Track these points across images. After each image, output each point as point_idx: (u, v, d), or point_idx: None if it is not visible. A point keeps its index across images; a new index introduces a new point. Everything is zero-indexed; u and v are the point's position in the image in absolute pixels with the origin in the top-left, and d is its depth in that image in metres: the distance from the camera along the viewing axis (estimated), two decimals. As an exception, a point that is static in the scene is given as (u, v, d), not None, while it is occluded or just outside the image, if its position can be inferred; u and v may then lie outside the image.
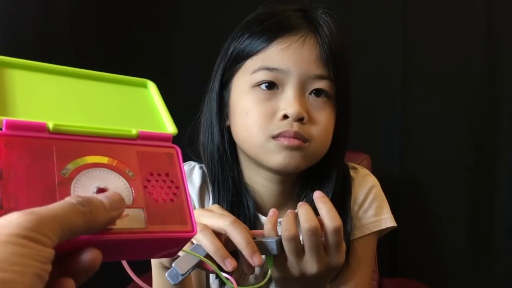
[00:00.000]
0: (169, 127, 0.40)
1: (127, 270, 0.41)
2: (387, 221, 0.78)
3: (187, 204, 0.37)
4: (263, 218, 0.75)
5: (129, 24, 1.61)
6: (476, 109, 1.53)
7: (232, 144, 0.74)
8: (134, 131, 0.37)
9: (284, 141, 0.66)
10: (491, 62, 1.52)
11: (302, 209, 0.58)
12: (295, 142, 0.66)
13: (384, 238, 0.82)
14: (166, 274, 0.53)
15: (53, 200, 0.30)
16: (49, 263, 0.26)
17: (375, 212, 0.78)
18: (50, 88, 0.38)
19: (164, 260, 0.60)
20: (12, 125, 0.32)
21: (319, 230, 0.56)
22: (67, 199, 0.29)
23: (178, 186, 0.37)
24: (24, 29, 1.18)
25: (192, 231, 0.36)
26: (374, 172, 0.83)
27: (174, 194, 0.36)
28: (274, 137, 0.67)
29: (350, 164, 0.81)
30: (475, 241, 1.54)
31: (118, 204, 0.31)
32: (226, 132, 0.74)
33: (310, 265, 0.58)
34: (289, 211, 0.60)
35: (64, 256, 0.30)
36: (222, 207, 0.68)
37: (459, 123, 1.53)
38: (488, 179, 1.53)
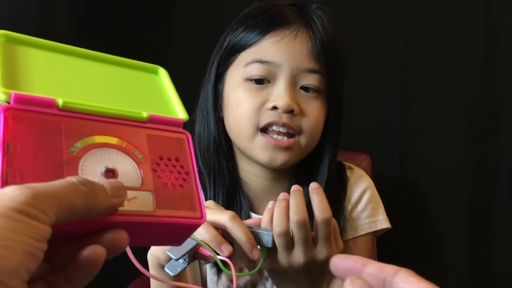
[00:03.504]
0: (180, 113, 0.40)
1: (129, 255, 0.40)
2: (382, 222, 0.79)
3: (196, 191, 0.36)
4: (255, 216, 0.75)
5: (128, 20, 1.60)
6: (476, 110, 1.52)
7: (227, 136, 0.76)
8: (145, 114, 0.37)
9: (272, 141, 0.67)
10: (491, 64, 1.51)
11: (294, 200, 0.58)
12: (284, 143, 0.67)
13: (384, 238, 0.82)
14: (166, 267, 0.54)
15: (60, 177, 0.30)
16: (45, 241, 0.24)
17: (370, 214, 0.79)
18: (62, 68, 0.37)
19: (162, 260, 0.60)
20: (20, 99, 0.31)
21: (307, 223, 0.57)
22: (68, 178, 0.28)
23: (188, 172, 0.36)
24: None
25: (201, 218, 0.35)
26: (374, 172, 0.84)
27: (184, 179, 0.36)
28: (262, 129, 0.68)
29: (347, 164, 0.83)
30: (475, 241, 1.54)
31: (120, 192, 0.30)
32: (220, 124, 0.75)
33: (298, 257, 0.58)
34: (281, 197, 0.59)
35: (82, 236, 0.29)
36: (217, 200, 0.69)
37: (459, 124, 1.53)
38: (488, 179, 1.53)
